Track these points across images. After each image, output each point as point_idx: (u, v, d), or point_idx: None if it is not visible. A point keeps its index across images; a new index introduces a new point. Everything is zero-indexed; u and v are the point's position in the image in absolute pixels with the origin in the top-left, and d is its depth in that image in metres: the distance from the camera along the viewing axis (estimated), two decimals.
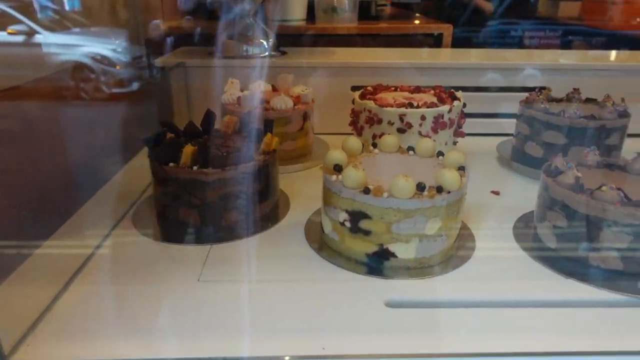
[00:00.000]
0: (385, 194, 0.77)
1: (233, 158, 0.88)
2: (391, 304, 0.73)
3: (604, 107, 1.16)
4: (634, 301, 0.74)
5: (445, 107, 1.11)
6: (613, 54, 1.85)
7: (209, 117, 1.05)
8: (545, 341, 0.66)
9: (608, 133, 1.13)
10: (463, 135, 1.18)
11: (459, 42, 1.86)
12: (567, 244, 0.82)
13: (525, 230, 0.93)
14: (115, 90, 1.20)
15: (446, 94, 1.20)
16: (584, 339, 0.67)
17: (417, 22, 1.97)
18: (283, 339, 0.67)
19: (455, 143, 1.18)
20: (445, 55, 1.67)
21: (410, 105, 1.11)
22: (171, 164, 0.88)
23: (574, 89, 1.31)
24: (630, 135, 1.29)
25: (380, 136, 1.11)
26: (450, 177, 0.79)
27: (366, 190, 0.78)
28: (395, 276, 0.79)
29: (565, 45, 3.55)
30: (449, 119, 1.12)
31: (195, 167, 0.87)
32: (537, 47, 3.51)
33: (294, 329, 0.68)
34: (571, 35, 3.66)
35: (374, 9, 2.05)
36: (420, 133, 1.10)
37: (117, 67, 1.20)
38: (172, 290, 0.75)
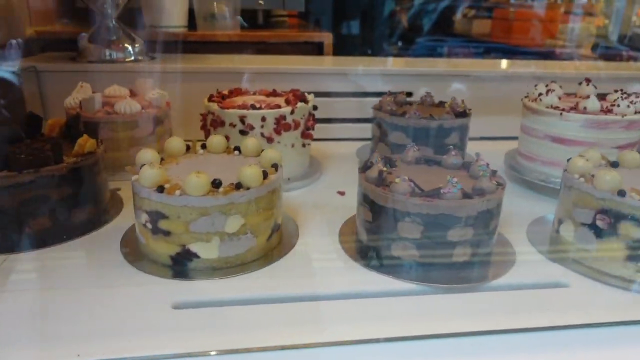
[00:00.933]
0: (178, 192, 0.75)
1: (34, 161, 0.83)
2: (178, 306, 0.71)
3: (444, 108, 1.22)
4: (428, 289, 0.76)
5: (287, 109, 1.12)
6: (488, 62, 1.97)
7: (31, 120, 1.00)
8: (341, 332, 0.67)
9: (447, 132, 1.18)
10: (310, 137, 1.19)
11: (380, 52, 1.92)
12: (374, 236, 0.83)
13: (349, 226, 0.95)
14: None
15: (296, 97, 1.21)
16: (379, 326, 0.68)
17: (299, 30, 2.00)
18: (46, 348, 0.63)
19: (304, 145, 1.19)
20: (315, 62, 1.70)
21: (253, 107, 1.11)
22: None
23: (426, 92, 1.36)
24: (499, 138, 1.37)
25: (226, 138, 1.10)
26: (250, 174, 0.78)
27: (160, 189, 0.75)
28: (198, 277, 0.77)
29: (475, 57, 3.77)
30: (293, 120, 1.13)
31: None
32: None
33: (56, 337, 0.64)
34: (480, 49, 3.90)
35: (262, 17, 2.07)
36: (262, 134, 1.10)
37: None
38: None
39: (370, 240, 0.85)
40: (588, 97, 1.11)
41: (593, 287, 0.78)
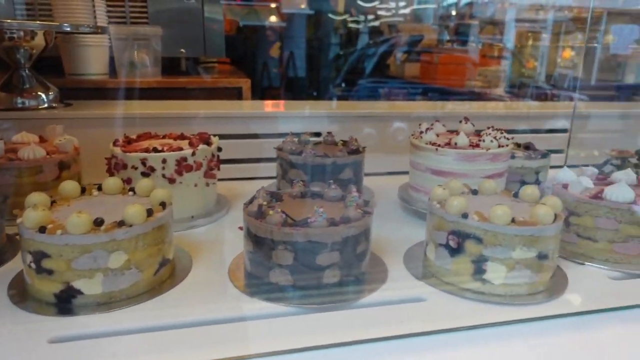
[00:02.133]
0: (59, 232, 0.80)
1: None
2: (55, 340, 0.75)
3: (338, 146, 1.35)
4: (303, 310, 0.84)
5: (188, 151, 1.20)
6: (400, 104, 2.15)
7: None
8: (223, 351, 0.73)
9: (341, 169, 1.30)
10: (214, 177, 1.27)
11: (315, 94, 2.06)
12: (255, 265, 0.91)
13: (240, 258, 1.02)
14: None
15: (200, 140, 1.29)
16: (258, 344, 0.75)
17: (218, 76, 2.12)
18: None
19: (208, 184, 1.27)
20: (231, 106, 1.81)
21: (155, 149, 1.18)
22: None
23: (328, 132, 1.49)
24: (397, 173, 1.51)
25: (127, 181, 1.16)
26: (133, 212, 0.85)
27: (42, 230, 0.80)
28: (81, 313, 0.81)
29: (407, 97, 4.05)
30: (195, 161, 1.20)
31: None
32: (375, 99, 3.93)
33: None
34: (410, 90, 4.20)
35: (185, 65, 2.17)
36: (164, 176, 1.17)
37: None
38: None
39: (253, 269, 0.92)
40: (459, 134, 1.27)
41: (448, 300, 0.89)
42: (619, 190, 1.03)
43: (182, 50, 2.10)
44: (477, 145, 1.24)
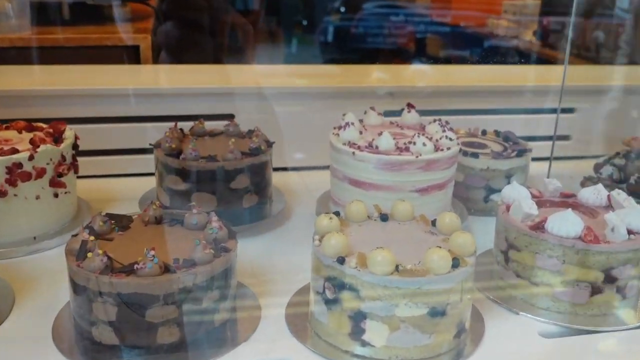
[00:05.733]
0: None
1: None
2: None
3: (238, 141, 1.40)
4: None
5: (24, 155, 1.25)
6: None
7: None
8: None
9: (232, 176, 1.36)
10: (63, 185, 1.33)
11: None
12: (77, 319, 0.99)
13: None
14: None
15: (48, 135, 1.35)
16: None
17: (107, 31, 2.14)
18: None
19: (57, 195, 1.33)
20: (115, 75, 1.85)
21: None
22: None
23: (229, 119, 1.54)
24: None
25: None
26: None
27: None
28: None
29: (395, 41, 3.98)
30: (34, 167, 1.26)
31: None
32: None
33: None
34: (403, 29, 4.10)
35: (68, 11, 2.19)
36: None
37: None
38: None
39: (77, 322, 1.00)
40: (381, 133, 1.32)
41: None
42: (562, 221, 1.09)
43: None
44: (406, 149, 1.30)
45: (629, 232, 1.10)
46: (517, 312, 1.12)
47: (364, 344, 0.96)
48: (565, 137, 1.97)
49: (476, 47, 3.80)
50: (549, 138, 1.91)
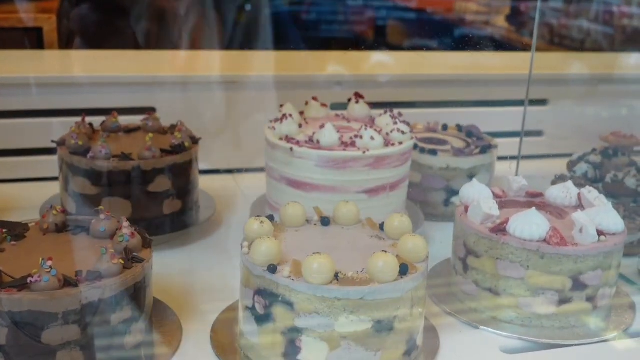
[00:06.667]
0: None
1: None
2: None
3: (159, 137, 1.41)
4: None
5: None
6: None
7: None
8: None
9: (150, 178, 1.36)
10: None
11: None
12: None
13: None
14: None
15: None
16: None
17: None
18: None
19: None
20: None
21: None
22: None
23: (148, 112, 1.54)
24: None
25: None
26: None
27: None
28: None
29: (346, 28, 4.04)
30: None
31: None
32: None
33: None
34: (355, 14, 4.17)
35: None
36: None
37: None
38: None
39: None
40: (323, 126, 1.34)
41: None
42: (526, 222, 1.13)
43: None
44: (352, 144, 1.32)
45: (600, 233, 1.15)
46: (476, 327, 1.16)
47: None
48: (537, 133, 2.04)
49: (441, 33, 3.90)
50: (519, 134, 1.99)
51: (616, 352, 1.13)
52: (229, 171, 1.75)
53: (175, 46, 2.07)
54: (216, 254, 1.37)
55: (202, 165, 1.57)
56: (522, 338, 1.12)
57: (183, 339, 1.08)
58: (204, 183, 1.58)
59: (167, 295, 1.18)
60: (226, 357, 1.04)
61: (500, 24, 3.77)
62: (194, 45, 2.06)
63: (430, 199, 1.56)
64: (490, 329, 1.15)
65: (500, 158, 1.74)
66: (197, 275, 1.29)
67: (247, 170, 1.71)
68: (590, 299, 1.15)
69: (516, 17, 3.75)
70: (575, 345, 1.12)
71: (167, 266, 1.28)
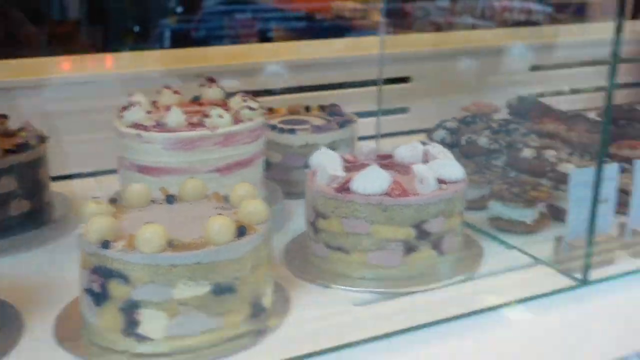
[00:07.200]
0: None
1: None
2: None
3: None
4: None
5: None
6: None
7: None
8: None
9: None
10: None
11: None
12: None
13: None
14: None
15: None
16: None
17: None
18: None
19: None
20: None
21: None
22: None
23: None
24: None
25: None
26: None
27: None
28: None
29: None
30: None
31: None
32: None
33: None
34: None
35: None
36: None
37: None
38: None
39: None
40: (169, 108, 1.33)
41: None
42: (367, 178, 1.16)
43: None
44: (200, 124, 1.32)
45: (441, 182, 1.19)
46: (328, 286, 1.17)
47: (141, 338, 0.96)
48: (402, 110, 2.10)
49: (323, 31, 3.99)
50: (390, 112, 2.04)
51: (462, 294, 1.16)
52: (92, 174, 1.71)
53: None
54: (70, 252, 1.33)
55: (63, 171, 1.54)
56: (371, 290, 1.15)
57: (25, 333, 1.05)
58: (64, 187, 1.57)
59: (11, 295, 1.14)
60: (68, 344, 1.01)
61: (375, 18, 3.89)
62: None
63: (291, 178, 1.57)
64: (341, 286, 1.16)
65: (366, 137, 1.78)
66: (47, 274, 1.24)
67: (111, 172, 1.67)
68: (436, 246, 1.18)
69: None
70: (421, 291, 1.15)
71: (15, 267, 1.24)
